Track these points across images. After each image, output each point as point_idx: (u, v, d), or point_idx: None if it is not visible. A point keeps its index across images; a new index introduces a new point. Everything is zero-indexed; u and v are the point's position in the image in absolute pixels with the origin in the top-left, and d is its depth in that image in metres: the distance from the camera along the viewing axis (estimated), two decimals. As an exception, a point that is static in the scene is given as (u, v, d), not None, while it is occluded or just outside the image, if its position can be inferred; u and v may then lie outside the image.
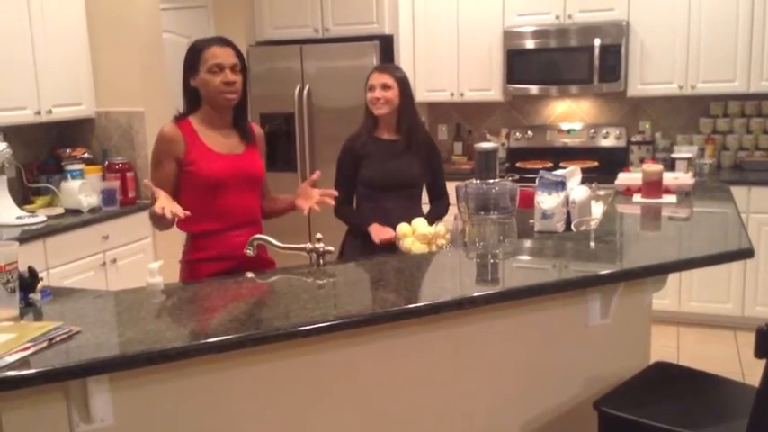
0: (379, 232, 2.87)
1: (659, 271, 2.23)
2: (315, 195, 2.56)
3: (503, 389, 2.20)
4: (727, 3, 4.51)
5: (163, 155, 2.46)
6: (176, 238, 4.30)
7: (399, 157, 3.02)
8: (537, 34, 4.87)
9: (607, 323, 2.26)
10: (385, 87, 2.97)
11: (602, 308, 2.24)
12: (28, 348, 1.56)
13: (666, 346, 4.21)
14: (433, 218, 2.88)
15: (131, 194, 4.27)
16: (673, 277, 4.35)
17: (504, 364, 2.18)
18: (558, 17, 4.85)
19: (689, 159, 3.45)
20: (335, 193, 2.61)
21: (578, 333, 2.26)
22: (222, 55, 2.43)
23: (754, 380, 1.75)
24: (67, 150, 4.30)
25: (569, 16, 4.82)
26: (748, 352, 1.82)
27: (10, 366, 1.49)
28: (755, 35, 4.48)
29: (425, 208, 3.15)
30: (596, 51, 4.70)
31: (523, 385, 2.22)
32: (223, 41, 2.50)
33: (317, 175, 2.60)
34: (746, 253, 2.25)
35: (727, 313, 4.48)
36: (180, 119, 2.49)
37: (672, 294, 4.51)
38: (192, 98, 2.52)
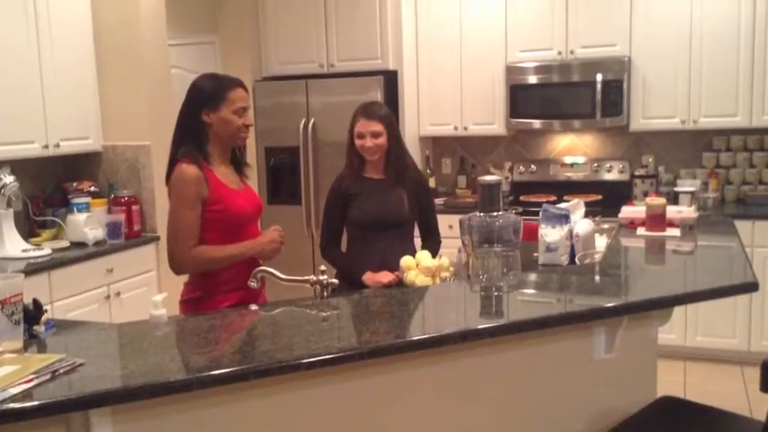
0: (374, 279, 2.81)
1: (664, 304, 2.22)
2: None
3: (507, 423, 2.17)
4: (728, 38, 4.56)
5: (194, 197, 2.45)
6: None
7: (388, 195, 2.97)
8: (539, 69, 4.92)
9: (612, 357, 2.24)
10: (375, 135, 2.91)
11: (608, 342, 2.23)
12: (31, 380, 1.56)
13: (673, 382, 4.17)
14: None
15: (137, 227, 4.29)
16: (678, 312, 4.34)
17: (509, 398, 2.17)
18: (560, 53, 4.90)
19: (692, 193, 3.45)
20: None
21: (583, 367, 2.25)
22: (246, 98, 2.57)
23: (762, 415, 1.74)
24: (74, 184, 4.33)
25: (571, 52, 4.87)
26: (755, 387, 1.81)
27: (13, 398, 1.48)
28: (757, 70, 4.53)
29: (417, 242, 3.12)
30: (598, 86, 4.74)
31: (528, 420, 2.20)
32: (242, 83, 2.59)
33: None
34: (751, 286, 2.24)
35: (734, 348, 4.45)
36: (194, 159, 2.48)
37: (678, 329, 4.49)
38: (195, 131, 2.52)
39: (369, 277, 2.83)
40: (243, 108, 2.54)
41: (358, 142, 2.94)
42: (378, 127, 2.92)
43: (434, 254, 2.95)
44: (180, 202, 2.46)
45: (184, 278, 2.62)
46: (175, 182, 2.47)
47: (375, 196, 2.97)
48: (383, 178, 3.00)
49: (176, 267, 2.52)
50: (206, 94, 2.52)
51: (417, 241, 3.14)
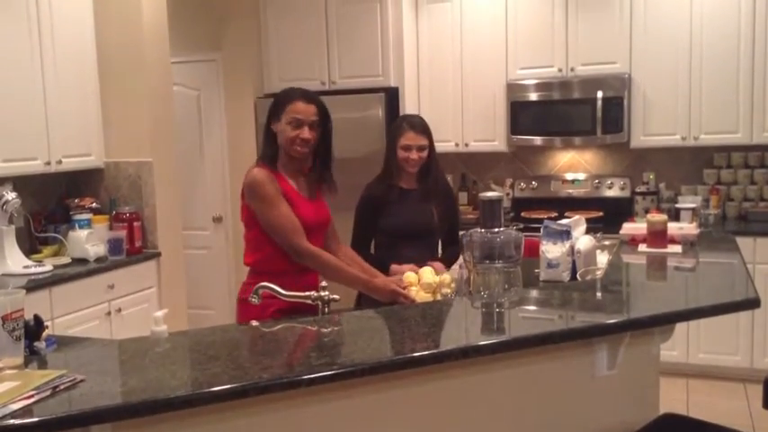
0: (401, 270, 2.85)
1: (666, 320, 2.22)
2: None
3: (509, 441, 2.16)
4: (728, 55, 4.58)
5: (275, 193, 2.54)
6: (181, 288, 4.32)
7: (420, 205, 3.07)
8: (540, 87, 4.94)
9: (614, 374, 2.24)
10: (421, 149, 3.02)
11: (609, 358, 2.22)
12: (31, 396, 1.55)
13: (676, 399, 4.15)
14: (448, 263, 2.97)
15: (138, 244, 4.29)
16: (681, 329, 4.32)
17: (510, 416, 2.16)
18: (560, 70, 4.93)
19: (693, 209, 3.46)
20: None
21: (585, 384, 2.24)
22: (304, 111, 2.59)
23: (765, 432, 1.73)
24: (76, 200, 4.33)
25: (572, 69, 4.90)
26: (758, 404, 1.80)
27: (13, 414, 1.48)
28: (757, 87, 4.54)
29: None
30: (599, 103, 4.76)
31: (530, 437, 2.18)
32: (309, 97, 2.64)
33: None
34: (753, 303, 2.23)
35: (736, 365, 4.43)
36: (263, 164, 2.59)
37: (680, 346, 4.47)
38: (268, 140, 2.64)
39: (395, 269, 2.88)
40: (297, 120, 2.58)
41: (403, 154, 3.03)
42: (424, 141, 3.04)
43: (456, 260, 3.02)
44: (265, 203, 2.54)
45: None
46: (252, 187, 2.56)
47: (407, 206, 3.06)
48: (415, 188, 3.09)
49: (299, 257, 2.58)
50: (274, 105, 2.64)
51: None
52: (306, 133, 2.58)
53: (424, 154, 3.04)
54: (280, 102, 2.62)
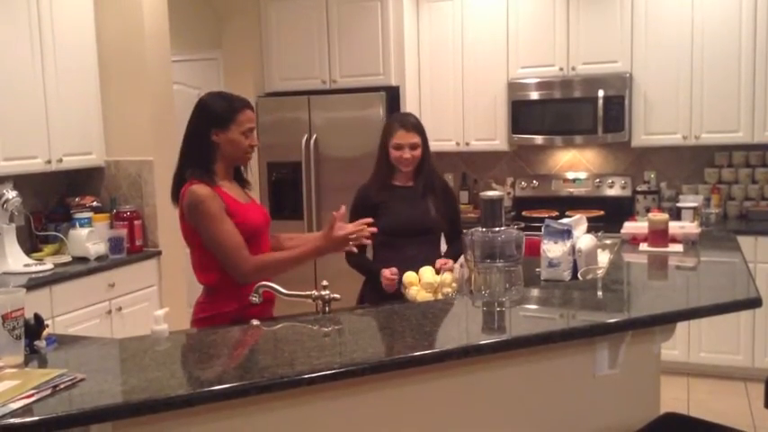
0: (387, 276, 2.85)
1: (667, 320, 2.21)
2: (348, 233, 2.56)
3: (510, 440, 2.16)
4: (729, 54, 4.57)
5: (219, 210, 2.47)
6: (182, 287, 4.32)
7: (417, 202, 3.04)
8: (541, 86, 4.93)
9: (615, 373, 2.24)
10: (413, 147, 2.99)
11: (610, 357, 2.22)
12: (32, 396, 1.55)
13: (677, 398, 4.15)
14: (452, 257, 2.91)
15: (138, 242, 4.29)
16: (682, 328, 4.32)
17: (511, 414, 2.15)
18: (561, 69, 4.92)
19: (695, 209, 3.46)
20: (369, 220, 2.62)
21: (586, 383, 2.24)
22: (253, 119, 2.61)
23: (766, 431, 1.72)
24: (76, 199, 4.33)
25: (573, 68, 4.89)
26: (759, 404, 1.80)
27: (13, 413, 1.48)
28: (758, 86, 4.54)
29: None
30: (600, 102, 4.75)
31: (531, 436, 2.18)
32: (250, 104, 2.62)
33: (342, 211, 2.58)
34: (754, 302, 2.23)
35: (737, 364, 4.42)
36: (202, 179, 2.50)
37: (681, 345, 4.47)
38: (203, 149, 2.54)
39: (384, 274, 2.85)
40: (250, 129, 2.57)
41: (396, 153, 3.00)
42: (416, 138, 3.01)
43: (461, 254, 2.97)
44: (210, 220, 2.46)
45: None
46: (195, 204, 2.47)
47: (404, 203, 3.03)
48: (411, 186, 3.06)
49: (244, 278, 2.48)
50: (215, 115, 2.53)
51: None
52: (256, 140, 2.62)
53: (417, 152, 3.00)
54: (227, 111, 2.53)
